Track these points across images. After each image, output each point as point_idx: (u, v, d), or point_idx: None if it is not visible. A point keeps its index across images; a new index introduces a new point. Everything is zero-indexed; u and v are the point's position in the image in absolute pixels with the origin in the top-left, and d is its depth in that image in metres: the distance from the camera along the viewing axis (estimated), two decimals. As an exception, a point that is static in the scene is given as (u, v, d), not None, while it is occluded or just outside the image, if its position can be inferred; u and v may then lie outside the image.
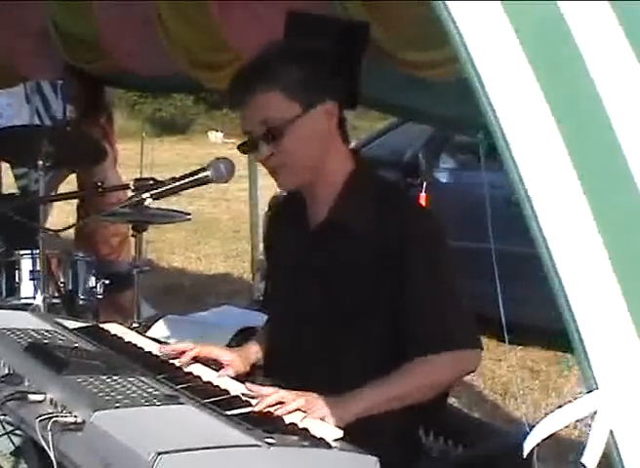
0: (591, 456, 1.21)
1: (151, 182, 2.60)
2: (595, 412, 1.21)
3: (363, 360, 2.47)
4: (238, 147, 2.60)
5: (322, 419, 2.16)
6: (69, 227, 5.95)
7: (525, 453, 1.26)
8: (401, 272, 2.40)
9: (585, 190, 1.19)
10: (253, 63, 2.51)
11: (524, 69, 1.17)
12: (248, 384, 2.28)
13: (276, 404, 2.14)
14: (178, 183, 2.59)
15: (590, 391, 1.21)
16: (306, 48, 2.63)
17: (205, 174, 2.59)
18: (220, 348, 2.72)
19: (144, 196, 2.51)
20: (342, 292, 2.49)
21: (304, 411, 2.16)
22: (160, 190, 2.57)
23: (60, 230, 3.59)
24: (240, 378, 2.51)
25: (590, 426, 1.22)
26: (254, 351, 2.77)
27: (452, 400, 2.72)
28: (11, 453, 3.00)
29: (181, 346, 2.59)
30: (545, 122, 1.18)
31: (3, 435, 2.50)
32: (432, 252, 2.45)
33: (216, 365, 2.57)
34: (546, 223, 1.18)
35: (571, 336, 1.20)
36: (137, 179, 2.67)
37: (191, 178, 2.58)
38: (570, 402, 1.23)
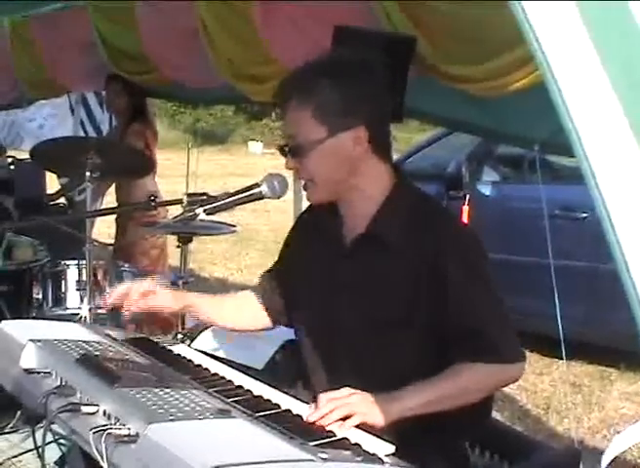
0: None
1: (204, 197, 2.61)
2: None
3: (398, 373, 2.43)
4: (278, 149, 2.60)
5: (367, 417, 2.19)
6: (115, 244, 5.99)
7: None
8: (440, 284, 2.38)
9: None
10: (293, 77, 2.50)
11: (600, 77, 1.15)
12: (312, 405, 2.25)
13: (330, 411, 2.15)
14: (231, 199, 2.60)
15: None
16: (349, 64, 2.50)
17: (258, 190, 2.61)
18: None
19: (198, 211, 2.53)
20: (378, 306, 2.48)
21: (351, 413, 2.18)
22: (213, 206, 2.59)
23: (109, 244, 3.63)
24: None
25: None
26: (196, 296, 2.93)
27: (494, 414, 2.71)
28: (55, 463, 3.01)
29: (123, 290, 2.86)
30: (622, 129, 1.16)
31: (50, 443, 2.51)
32: (471, 262, 2.44)
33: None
34: (621, 232, 1.16)
35: None
36: (190, 194, 2.67)
37: (245, 194, 2.60)
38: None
